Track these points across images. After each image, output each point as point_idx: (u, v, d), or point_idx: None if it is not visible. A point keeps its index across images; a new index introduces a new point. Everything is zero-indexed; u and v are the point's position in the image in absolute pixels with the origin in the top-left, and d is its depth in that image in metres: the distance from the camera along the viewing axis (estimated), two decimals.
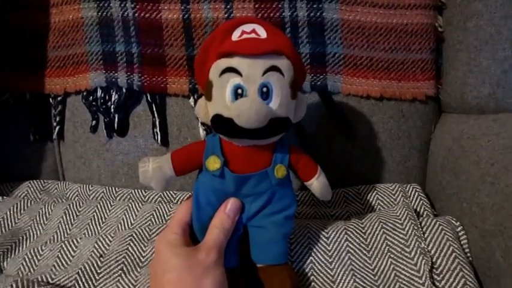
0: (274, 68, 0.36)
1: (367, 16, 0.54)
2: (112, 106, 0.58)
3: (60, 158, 0.63)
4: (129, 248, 0.47)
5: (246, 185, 0.39)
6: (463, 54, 0.54)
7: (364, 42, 0.54)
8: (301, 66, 0.41)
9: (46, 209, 0.56)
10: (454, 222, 0.47)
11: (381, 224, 0.47)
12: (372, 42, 0.54)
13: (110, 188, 0.60)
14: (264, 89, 0.36)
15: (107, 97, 0.58)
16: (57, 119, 0.61)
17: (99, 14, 0.56)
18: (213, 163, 0.38)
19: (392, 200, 0.54)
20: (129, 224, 0.53)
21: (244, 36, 0.37)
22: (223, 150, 0.39)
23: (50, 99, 0.61)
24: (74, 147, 0.62)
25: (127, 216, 0.54)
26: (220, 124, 0.36)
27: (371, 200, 0.55)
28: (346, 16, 0.54)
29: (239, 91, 0.35)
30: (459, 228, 0.46)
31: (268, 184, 0.39)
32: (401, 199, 0.54)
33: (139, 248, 0.47)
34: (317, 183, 0.41)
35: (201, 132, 0.57)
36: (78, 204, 0.56)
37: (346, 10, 0.54)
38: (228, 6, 0.54)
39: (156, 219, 0.53)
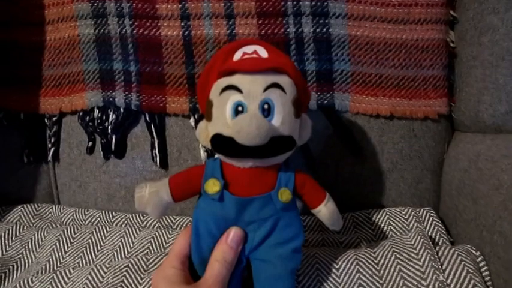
0: (275, 85, 0.35)
1: (375, 32, 0.52)
2: (109, 126, 0.56)
3: (55, 180, 0.61)
4: (125, 280, 0.44)
5: (248, 209, 0.36)
6: (477, 70, 0.51)
7: (373, 59, 0.52)
8: (304, 85, 0.40)
9: (39, 235, 0.54)
10: (473, 252, 0.44)
11: (395, 253, 0.44)
12: (381, 58, 0.52)
13: (107, 213, 0.57)
14: (265, 106, 0.34)
15: (104, 117, 0.56)
16: (52, 140, 0.59)
17: (96, 31, 0.55)
18: (212, 186, 0.36)
19: (405, 225, 0.51)
20: (126, 252, 0.50)
21: (246, 57, 0.37)
22: (224, 173, 0.37)
23: (45, 120, 0.59)
24: (70, 169, 0.60)
25: (123, 243, 0.51)
26: (220, 143, 0.35)
27: (382, 225, 0.52)
28: (354, 32, 0.52)
29: (240, 108, 0.35)
30: (480, 259, 0.43)
31: (272, 209, 0.36)
32: (415, 224, 0.51)
33: (135, 280, 0.44)
34: (325, 210, 0.39)
35: (202, 154, 0.55)
36: (72, 230, 0.53)
37: (353, 26, 0.52)
38: (230, 23, 0.52)
39: (154, 247, 0.50)
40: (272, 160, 0.36)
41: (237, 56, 0.37)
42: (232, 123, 0.34)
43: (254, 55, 0.37)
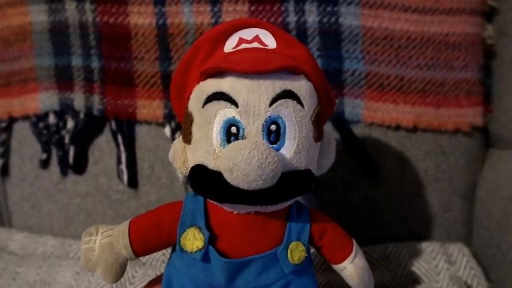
0: (288, 94, 0.26)
1: (396, 23, 0.45)
2: (67, 135, 0.50)
3: (4, 199, 0.55)
4: None
5: (243, 274, 0.27)
6: None
7: (393, 57, 0.46)
8: (328, 89, 0.30)
9: None
10: None
11: None
12: (403, 56, 0.46)
13: (63, 241, 0.50)
14: (273, 127, 0.25)
15: (61, 124, 0.50)
16: (1, 150, 0.53)
17: (51, 18, 0.49)
18: (193, 240, 0.27)
19: (432, 266, 0.43)
20: None
21: (243, 46, 0.28)
22: (209, 218, 0.28)
23: None
24: (21, 186, 0.53)
25: (78, 282, 0.43)
26: (203, 181, 0.26)
27: (403, 265, 0.43)
28: (370, 23, 0.45)
29: (233, 130, 0.25)
30: None
31: (279, 273, 0.27)
32: (445, 265, 0.43)
33: None
34: (352, 269, 0.29)
35: (179, 172, 0.47)
36: (18, 262, 0.46)
37: (369, 15, 0.45)
38: (216, 9, 0.45)
39: None
40: (280, 204, 0.27)
41: (231, 43, 0.28)
42: (222, 153, 0.25)
43: (256, 43, 0.28)
